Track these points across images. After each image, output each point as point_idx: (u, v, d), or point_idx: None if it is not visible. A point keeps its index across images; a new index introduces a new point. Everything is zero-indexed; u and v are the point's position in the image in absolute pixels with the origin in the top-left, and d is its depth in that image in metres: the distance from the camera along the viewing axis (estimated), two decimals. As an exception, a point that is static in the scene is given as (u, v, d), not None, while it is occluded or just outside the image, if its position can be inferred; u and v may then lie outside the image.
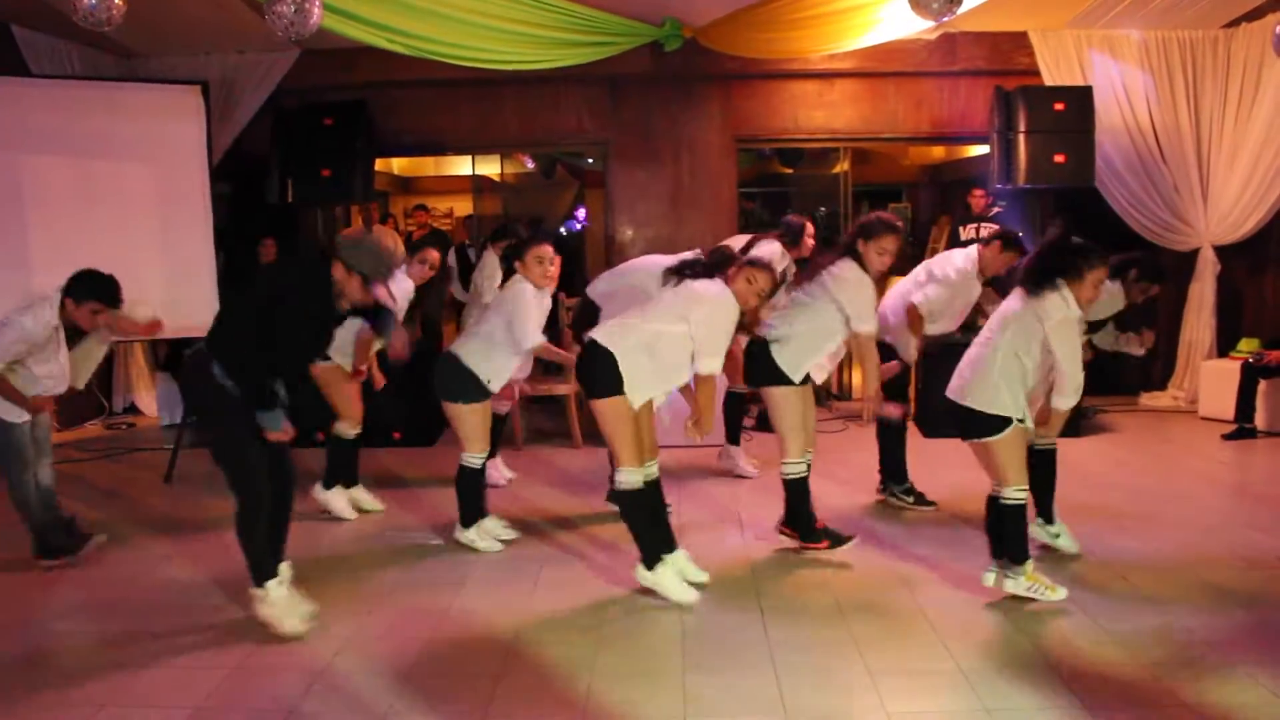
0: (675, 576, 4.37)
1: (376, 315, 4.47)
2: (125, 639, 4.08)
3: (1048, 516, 4.87)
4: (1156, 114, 8.42)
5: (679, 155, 9.23)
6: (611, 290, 6.09)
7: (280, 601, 4.02)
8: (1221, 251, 8.54)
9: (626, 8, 7.64)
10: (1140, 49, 8.36)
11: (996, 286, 5.76)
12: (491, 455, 5.63)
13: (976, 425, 4.18)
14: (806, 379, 4.79)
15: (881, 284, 4.80)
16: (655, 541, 4.40)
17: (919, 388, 7.56)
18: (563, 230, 12.66)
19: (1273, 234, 8.41)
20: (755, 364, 4.85)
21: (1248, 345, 8.06)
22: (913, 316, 5.55)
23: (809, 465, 4.81)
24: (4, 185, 6.57)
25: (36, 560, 4.94)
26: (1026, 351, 4.11)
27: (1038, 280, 4.14)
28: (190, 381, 4.24)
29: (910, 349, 5.62)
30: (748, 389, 5.86)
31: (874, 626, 4.06)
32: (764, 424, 7.71)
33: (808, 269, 5.01)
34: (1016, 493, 4.18)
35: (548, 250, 5.13)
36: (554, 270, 5.19)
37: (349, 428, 5.69)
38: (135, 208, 6.85)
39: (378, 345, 5.49)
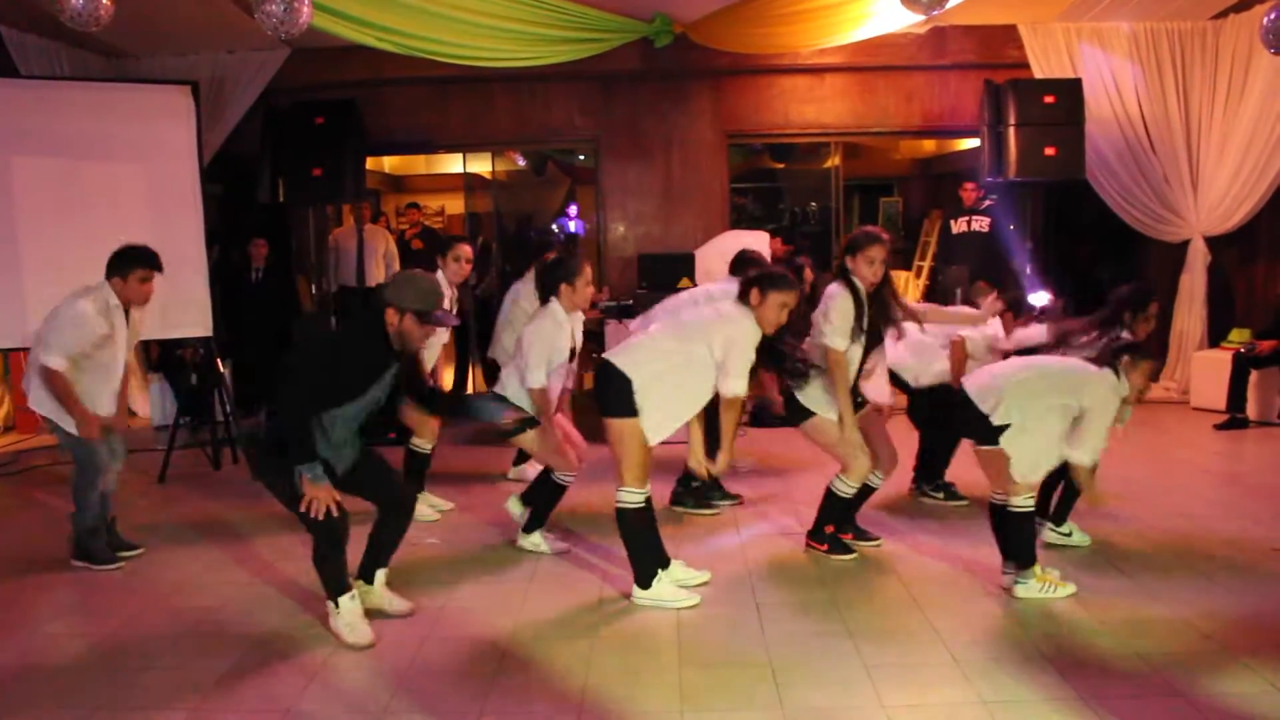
0: (672, 585, 4.33)
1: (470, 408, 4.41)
2: (120, 641, 4.07)
3: (1060, 519, 4.89)
4: (1146, 106, 8.45)
5: (670, 151, 9.24)
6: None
7: (348, 614, 3.97)
8: (1212, 242, 8.56)
9: (617, 4, 7.64)
10: (1129, 41, 8.39)
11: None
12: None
13: (987, 431, 4.19)
14: (861, 402, 4.77)
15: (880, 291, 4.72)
16: (650, 560, 4.33)
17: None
18: (554, 228, 12.66)
19: (1262, 224, 8.44)
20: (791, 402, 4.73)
21: (1239, 336, 8.09)
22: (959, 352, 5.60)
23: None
24: (-7, 187, 6.55)
25: (71, 562, 4.97)
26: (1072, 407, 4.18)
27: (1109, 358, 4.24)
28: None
29: (923, 377, 5.66)
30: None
31: (870, 621, 4.07)
32: (756, 420, 7.72)
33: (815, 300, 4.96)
34: (1024, 501, 4.19)
35: (589, 274, 5.03)
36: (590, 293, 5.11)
37: (425, 442, 5.64)
38: (126, 209, 6.82)
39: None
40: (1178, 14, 8.26)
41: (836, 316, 4.54)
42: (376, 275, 9.25)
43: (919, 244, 13.06)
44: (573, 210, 13.01)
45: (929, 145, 13.16)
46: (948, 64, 8.87)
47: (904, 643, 3.86)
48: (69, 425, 4.81)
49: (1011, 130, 7.85)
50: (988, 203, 8.72)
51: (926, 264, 12.22)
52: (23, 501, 6.37)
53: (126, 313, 5.00)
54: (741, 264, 5.57)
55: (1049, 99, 7.85)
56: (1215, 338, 8.55)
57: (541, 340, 4.83)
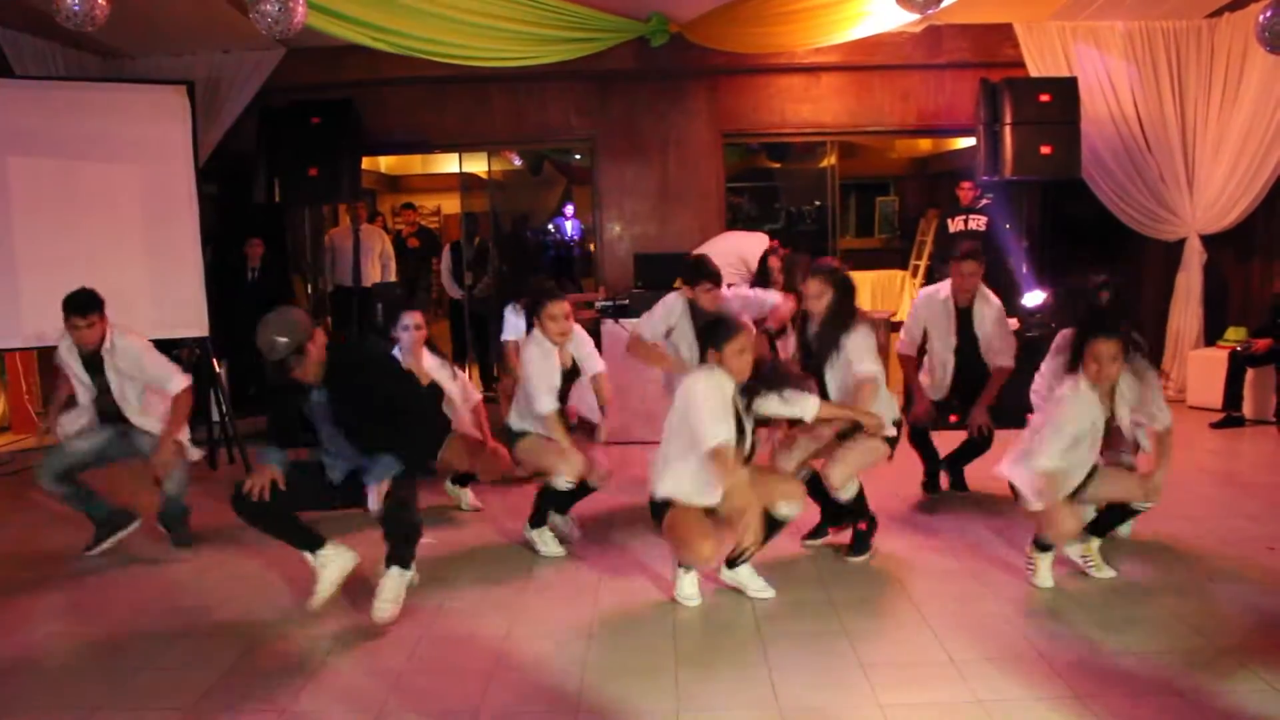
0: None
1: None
2: (117, 640, 4.07)
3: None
4: (1141, 104, 8.45)
5: (666, 151, 9.24)
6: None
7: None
8: (1208, 241, 8.57)
9: (613, 4, 7.64)
10: (1124, 40, 8.39)
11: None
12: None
13: None
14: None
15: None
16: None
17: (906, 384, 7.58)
18: (551, 228, 12.66)
19: (1258, 222, 8.44)
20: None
21: (1235, 334, 8.10)
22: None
23: None
24: (-12, 188, 6.55)
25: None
26: None
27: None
28: None
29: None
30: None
31: (866, 620, 4.08)
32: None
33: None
34: None
35: (560, 308, 5.00)
36: (567, 325, 5.07)
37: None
38: (121, 209, 6.82)
39: None
40: (1173, 13, 8.27)
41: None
42: (372, 275, 9.26)
43: (915, 243, 13.09)
44: (569, 210, 13.02)
45: (925, 144, 13.19)
46: (943, 63, 8.88)
47: (900, 642, 3.86)
48: None
49: (1007, 129, 7.85)
50: (984, 202, 8.72)
51: (923, 263, 12.24)
52: (19, 501, 6.36)
53: (87, 357, 5.17)
54: (693, 270, 5.67)
55: (1044, 98, 7.85)
56: (1211, 336, 8.56)
57: (534, 368, 4.96)
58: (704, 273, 5.58)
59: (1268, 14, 5.92)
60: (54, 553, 5.25)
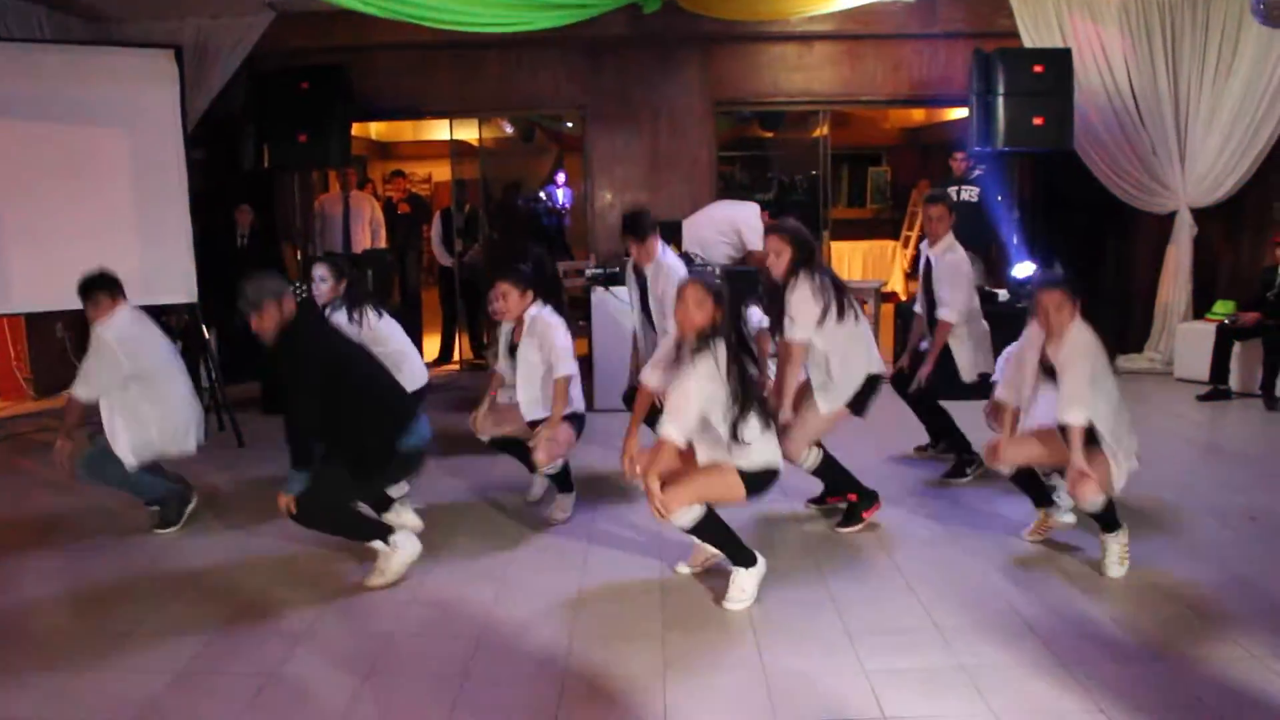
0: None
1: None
2: (104, 605, 4.08)
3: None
4: (1135, 77, 8.42)
5: (658, 119, 9.20)
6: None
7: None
8: (1198, 214, 8.57)
9: (605, -30, 7.56)
10: (1119, 11, 8.35)
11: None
12: None
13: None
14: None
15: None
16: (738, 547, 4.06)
17: (896, 351, 7.60)
18: (542, 195, 12.61)
19: (1249, 197, 8.44)
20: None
21: (1223, 307, 8.12)
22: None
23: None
24: (-27, 152, 6.49)
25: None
26: None
27: None
28: None
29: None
30: None
31: (852, 587, 4.11)
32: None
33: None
34: None
35: (495, 289, 4.94)
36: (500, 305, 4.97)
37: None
38: (109, 175, 6.76)
39: None
40: (1168, -15, 8.24)
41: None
42: (363, 242, 9.21)
43: (907, 214, 13.08)
44: (560, 178, 12.96)
45: (918, 115, 13.14)
46: (937, 32, 8.83)
47: (886, 609, 3.89)
48: None
49: (1000, 100, 7.79)
50: (977, 173, 8.70)
51: (914, 234, 12.24)
52: (4, 468, 6.36)
53: None
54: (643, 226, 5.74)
55: (1038, 69, 7.79)
56: (1200, 309, 8.58)
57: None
58: (625, 227, 5.72)
59: (1262, -14, 5.90)
60: (42, 518, 5.25)
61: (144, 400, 4.81)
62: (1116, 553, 4.14)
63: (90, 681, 3.42)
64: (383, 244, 9.56)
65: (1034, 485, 4.55)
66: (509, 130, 13.07)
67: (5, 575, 4.47)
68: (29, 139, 6.56)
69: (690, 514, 3.88)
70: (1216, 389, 7.58)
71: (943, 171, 9.20)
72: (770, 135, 13.02)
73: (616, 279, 7.19)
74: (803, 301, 4.52)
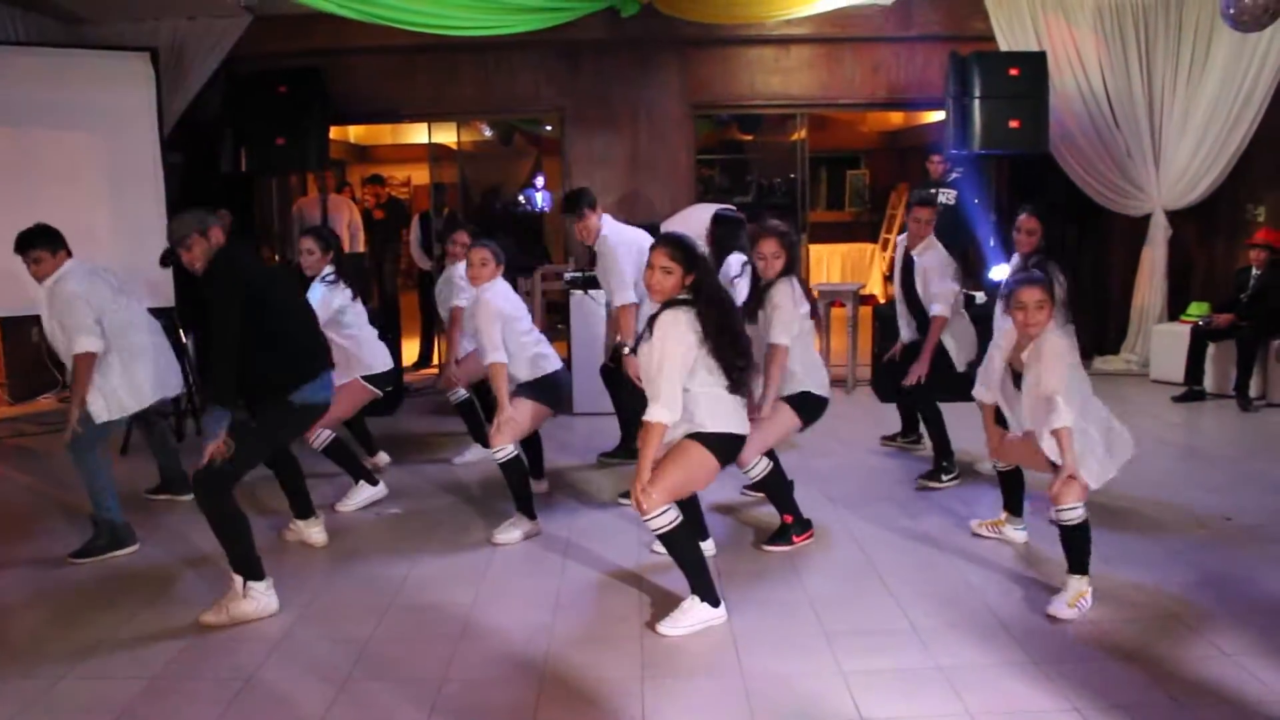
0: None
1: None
2: (79, 611, 4.05)
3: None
4: (1110, 79, 8.49)
5: (636, 122, 9.21)
6: None
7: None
8: (1173, 216, 8.64)
9: (583, -27, 7.56)
10: (1094, 14, 8.41)
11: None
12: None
13: None
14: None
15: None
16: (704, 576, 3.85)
17: (875, 353, 7.63)
18: (521, 198, 12.60)
19: (1222, 199, 8.52)
20: None
21: (1198, 309, 8.18)
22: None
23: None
24: (-53, 155, 6.44)
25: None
26: None
27: None
28: None
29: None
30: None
31: (830, 588, 4.12)
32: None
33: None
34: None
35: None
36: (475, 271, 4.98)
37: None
38: (85, 178, 6.73)
39: None
40: (1141, -12, 8.30)
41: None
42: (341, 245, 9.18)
43: (885, 217, 13.13)
44: (539, 181, 12.96)
45: (896, 118, 13.19)
46: (914, 35, 8.87)
47: (863, 610, 3.90)
48: None
49: (976, 103, 7.84)
50: (954, 175, 8.73)
51: (893, 237, 12.28)
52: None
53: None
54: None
55: (1014, 71, 7.84)
56: (1174, 311, 8.64)
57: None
58: (563, 207, 5.79)
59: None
60: (17, 524, 5.21)
61: (110, 352, 4.66)
62: (1072, 596, 3.80)
63: (65, 688, 3.39)
64: (361, 248, 9.53)
65: (1014, 489, 4.58)
66: (488, 134, 13.06)
67: (-22, 582, 4.44)
68: (2, 142, 6.51)
69: (664, 517, 3.67)
70: (1191, 390, 7.63)
71: (920, 174, 9.23)
72: (749, 138, 13.06)
73: (595, 283, 7.18)
74: (785, 306, 4.53)
